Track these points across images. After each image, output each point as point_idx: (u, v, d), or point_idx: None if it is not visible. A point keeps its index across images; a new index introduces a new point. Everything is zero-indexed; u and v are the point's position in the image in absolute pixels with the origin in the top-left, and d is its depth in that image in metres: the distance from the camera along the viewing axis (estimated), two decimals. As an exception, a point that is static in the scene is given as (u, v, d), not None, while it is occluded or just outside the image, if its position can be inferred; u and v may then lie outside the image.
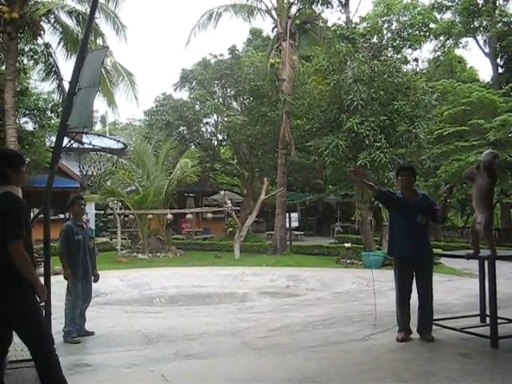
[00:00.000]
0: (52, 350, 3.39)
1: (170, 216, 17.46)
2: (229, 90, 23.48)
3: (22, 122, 18.50)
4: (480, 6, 25.49)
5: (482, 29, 26.03)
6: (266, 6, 19.49)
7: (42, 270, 4.68)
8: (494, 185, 5.34)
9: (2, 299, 3.25)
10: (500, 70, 25.56)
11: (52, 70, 15.93)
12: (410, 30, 26.63)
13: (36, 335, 3.36)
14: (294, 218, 23.25)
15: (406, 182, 5.59)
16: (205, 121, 23.49)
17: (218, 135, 24.61)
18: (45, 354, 3.37)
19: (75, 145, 4.72)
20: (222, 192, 22.27)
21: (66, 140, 4.59)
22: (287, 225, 18.98)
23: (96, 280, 6.26)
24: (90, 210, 21.69)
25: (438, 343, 5.31)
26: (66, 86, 6.83)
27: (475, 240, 5.51)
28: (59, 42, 15.43)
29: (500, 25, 24.98)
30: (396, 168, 6.63)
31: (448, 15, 27.97)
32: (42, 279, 4.44)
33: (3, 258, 3.21)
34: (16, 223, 3.24)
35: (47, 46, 15.74)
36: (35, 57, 16.00)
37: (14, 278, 3.25)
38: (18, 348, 4.49)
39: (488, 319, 5.45)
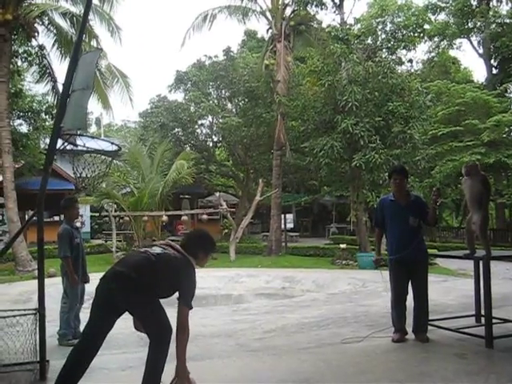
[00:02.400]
0: (163, 341, 3.62)
1: (165, 218, 17.42)
2: (224, 92, 23.49)
3: (16, 124, 18.48)
4: (474, 7, 25.61)
5: (475, 30, 26.17)
6: (261, 8, 19.53)
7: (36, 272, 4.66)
8: (486, 186, 5.35)
9: (123, 296, 3.53)
10: (494, 71, 25.70)
11: (46, 72, 15.89)
12: (404, 31, 26.61)
13: (149, 325, 3.64)
14: (290, 219, 23.26)
15: (398, 186, 5.59)
16: (200, 122, 23.47)
17: (213, 137, 24.62)
18: (153, 342, 3.59)
19: (69, 147, 4.68)
20: (218, 193, 22.30)
21: (60, 142, 4.56)
22: (282, 226, 18.98)
23: (87, 281, 6.23)
24: (85, 212, 21.62)
25: (434, 344, 5.31)
26: (61, 87, 6.80)
27: (471, 240, 5.52)
28: (53, 44, 15.35)
29: (494, 26, 25.12)
30: (389, 170, 6.66)
31: (442, 16, 28.12)
32: (35, 282, 4.43)
33: (147, 273, 3.58)
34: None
35: (41, 47, 15.72)
36: (29, 59, 15.97)
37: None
38: (11, 351, 4.48)
39: (483, 319, 5.45)
